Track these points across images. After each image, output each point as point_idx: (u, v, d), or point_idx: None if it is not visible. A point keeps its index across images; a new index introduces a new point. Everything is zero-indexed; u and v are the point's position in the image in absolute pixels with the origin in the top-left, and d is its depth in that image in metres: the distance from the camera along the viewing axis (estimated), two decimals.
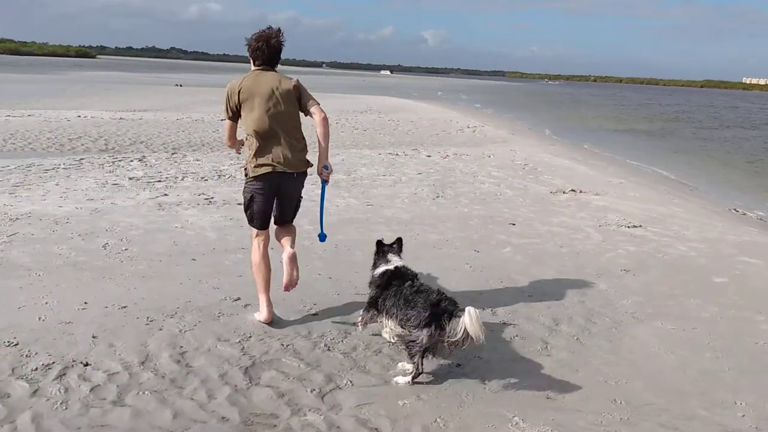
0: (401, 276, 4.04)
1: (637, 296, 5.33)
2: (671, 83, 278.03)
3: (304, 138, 4.61)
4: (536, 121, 27.52)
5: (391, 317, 3.88)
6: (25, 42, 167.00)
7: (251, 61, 4.49)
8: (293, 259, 4.46)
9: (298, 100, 4.47)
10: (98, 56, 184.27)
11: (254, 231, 4.60)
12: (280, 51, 4.48)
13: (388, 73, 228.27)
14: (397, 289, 3.92)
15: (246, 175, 4.47)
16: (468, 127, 19.84)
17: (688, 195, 11.15)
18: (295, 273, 4.44)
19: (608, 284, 5.57)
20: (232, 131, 4.57)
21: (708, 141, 23.63)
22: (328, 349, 4.07)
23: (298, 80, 4.50)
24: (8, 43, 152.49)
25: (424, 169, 10.86)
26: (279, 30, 4.47)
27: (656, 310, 5.05)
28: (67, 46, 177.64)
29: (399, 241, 4.47)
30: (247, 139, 4.48)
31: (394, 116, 22.57)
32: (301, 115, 4.58)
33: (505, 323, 4.62)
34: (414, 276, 4.07)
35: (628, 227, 7.54)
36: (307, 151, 4.62)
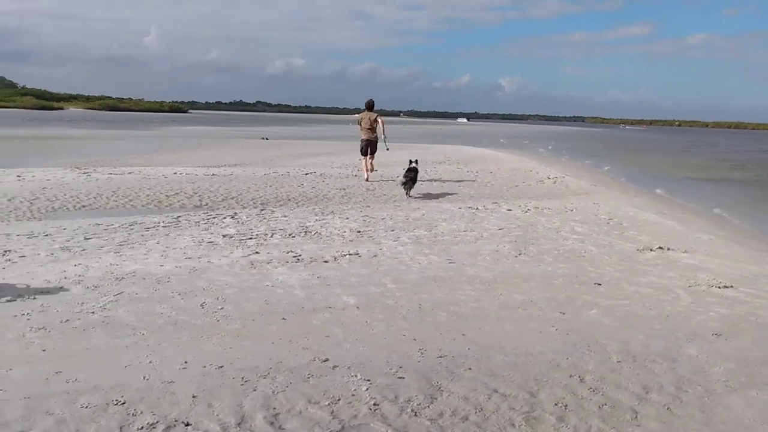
0: (411, 167, 14.47)
1: (729, 363, 5.16)
2: (760, 127, 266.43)
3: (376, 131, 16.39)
4: (618, 170, 26.96)
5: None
6: (122, 98, 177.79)
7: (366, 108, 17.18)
8: (371, 164, 17.19)
9: (376, 121, 16.68)
10: (190, 111, 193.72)
11: (361, 157, 17.38)
12: (372, 107, 16.84)
13: (464, 120, 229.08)
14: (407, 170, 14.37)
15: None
16: (548, 177, 19.70)
17: None
18: (372, 166, 17.13)
19: (699, 350, 5.43)
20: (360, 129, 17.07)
21: None
22: (415, 415, 4.15)
23: (378, 115, 16.57)
24: (107, 100, 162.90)
25: (506, 225, 10.88)
26: (372, 99, 17.00)
27: (750, 379, 4.88)
28: (161, 102, 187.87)
29: (416, 162, 15.07)
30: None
31: (472, 167, 22.69)
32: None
33: (593, 390, 4.57)
34: (416, 168, 14.77)
35: (719, 288, 7.31)
36: (376, 135, 16.59)
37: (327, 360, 4.92)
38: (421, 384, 4.57)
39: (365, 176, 17.14)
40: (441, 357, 5.06)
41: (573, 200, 14.57)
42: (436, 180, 18.10)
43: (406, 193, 14.46)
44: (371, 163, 17.23)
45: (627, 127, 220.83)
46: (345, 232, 9.80)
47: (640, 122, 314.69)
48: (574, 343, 5.48)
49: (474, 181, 18.31)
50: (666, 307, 6.59)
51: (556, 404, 4.35)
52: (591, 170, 26.65)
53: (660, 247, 9.35)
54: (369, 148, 17.12)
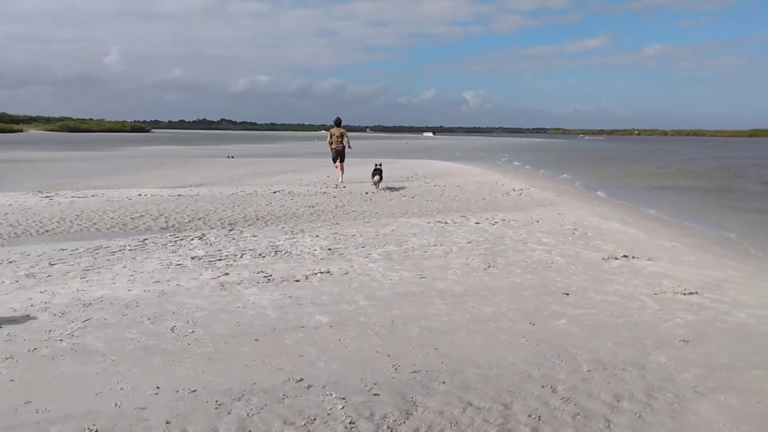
0: (377, 169, 19.40)
1: (697, 369, 5.29)
2: (717, 134, 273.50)
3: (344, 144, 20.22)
4: (580, 180, 27.44)
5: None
6: (83, 119, 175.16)
7: (334, 123, 20.62)
8: (342, 168, 20.48)
9: (344, 135, 20.06)
10: (152, 130, 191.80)
11: (335, 164, 20.56)
12: (340, 123, 20.34)
13: (430, 134, 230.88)
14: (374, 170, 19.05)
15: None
16: (514, 189, 19.96)
17: (743, 257, 10.97)
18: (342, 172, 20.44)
19: (667, 356, 5.55)
20: (329, 144, 20.40)
21: (766, 196, 23.14)
22: (391, 431, 4.17)
23: (344, 131, 20.18)
24: (67, 121, 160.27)
25: (474, 238, 10.99)
26: (339, 117, 20.59)
27: (718, 384, 5.01)
28: (123, 122, 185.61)
29: (380, 164, 20.02)
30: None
31: (439, 181, 22.88)
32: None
33: (565, 400, 4.65)
34: (381, 169, 19.51)
35: (684, 294, 7.49)
36: (344, 145, 20.47)
37: (301, 380, 4.92)
38: (396, 400, 4.60)
39: (340, 179, 20.73)
40: (415, 372, 5.09)
41: (538, 211, 14.79)
42: (404, 195, 18.19)
43: (377, 186, 19.41)
44: (342, 167, 20.74)
45: (586, 137, 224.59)
46: (315, 250, 9.80)
47: (600, 132, 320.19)
48: (544, 353, 5.56)
49: (441, 195, 18.46)
50: (633, 315, 6.73)
51: (529, 415, 4.41)
52: (554, 181, 27.09)
53: (625, 256, 9.54)
54: (339, 156, 20.67)
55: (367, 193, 18.35)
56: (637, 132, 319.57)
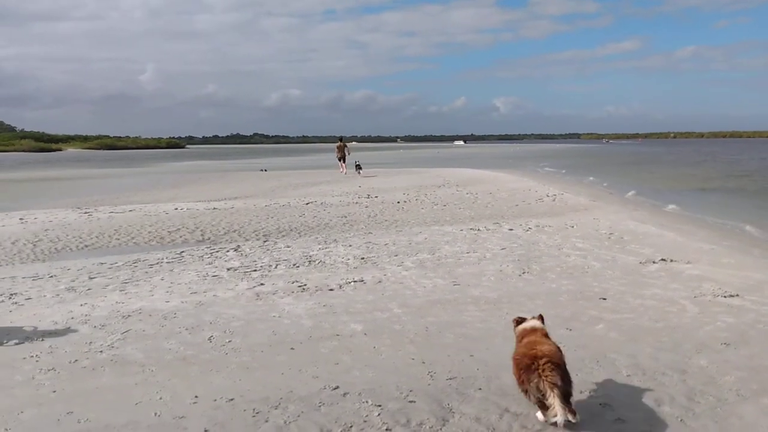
0: (358, 164, 33.02)
1: (740, 371, 5.16)
2: (756, 135, 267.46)
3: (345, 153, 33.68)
4: (616, 184, 27.06)
5: None
6: (120, 137, 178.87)
7: (339, 140, 35.19)
8: (344, 166, 33.77)
9: (345, 147, 33.89)
10: (187, 146, 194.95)
11: (340, 163, 33.77)
12: (342, 139, 35.16)
13: (461, 143, 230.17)
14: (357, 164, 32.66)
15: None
16: (547, 195, 19.78)
17: None
18: (345, 168, 33.62)
19: (709, 360, 5.43)
20: (337, 151, 34.30)
21: None
22: None
23: (345, 144, 34.19)
24: (105, 139, 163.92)
25: (508, 244, 10.91)
26: (342, 136, 36.59)
27: (762, 386, 4.87)
28: (159, 139, 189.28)
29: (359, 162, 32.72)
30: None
31: (471, 189, 22.79)
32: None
33: (603, 405, 4.57)
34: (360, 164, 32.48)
35: (725, 297, 7.32)
36: (345, 153, 33.45)
37: (337, 387, 4.92)
38: (433, 407, 4.57)
39: (343, 171, 33.16)
40: (450, 379, 5.06)
41: (573, 217, 14.62)
42: (436, 204, 18.16)
43: (359, 174, 31.37)
44: (344, 165, 33.43)
45: (611, 141, 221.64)
46: (349, 259, 9.84)
47: (635, 136, 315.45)
48: (582, 358, 5.48)
49: (474, 202, 18.38)
50: (672, 318, 6.60)
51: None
52: (589, 186, 26.76)
53: (663, 259, 9.37)
54: (342, 159, 33.67)
55: (399, 202, 18.36)
56: (672, 135, 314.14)
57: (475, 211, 16.25)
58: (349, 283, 8.25)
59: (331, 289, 7.94)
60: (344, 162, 33.03)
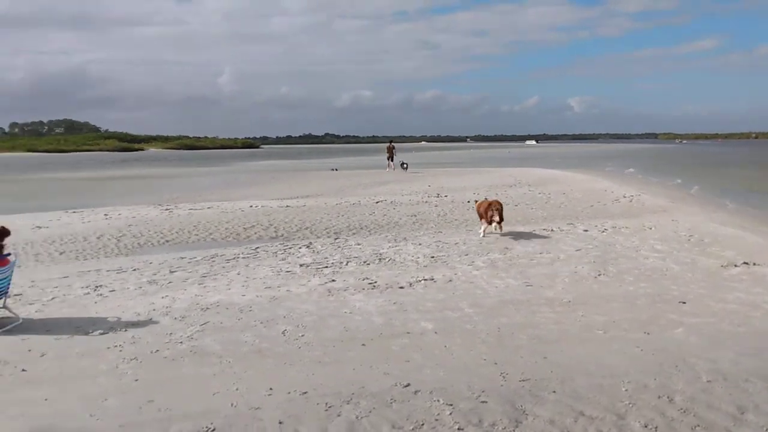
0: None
1: None
2: None
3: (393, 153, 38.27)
4: (695, 185, 25.98)
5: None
6: (199, 137, 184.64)
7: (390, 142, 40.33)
8: (392, 165, 38.36)
9: (393, 147, 38.55)
10: (262, 146, 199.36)
11: (388, 162, 38.12)
12: (391, 142, 40.56)
13: (533, 142, 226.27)
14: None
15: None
16: (624, 196, 19.22)
17: None
18: (393, 167, 38.38)
19: None
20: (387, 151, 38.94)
21: None
22: None
23: (393, 146, 39.12)
24: (184, 140, 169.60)
25: (582, 245, 10.66)
26: (392, 139, 47.29)
27: None
28: (235, 139, 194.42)
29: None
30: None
31: (544, 189, 22.38)
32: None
33: (683, 411, 4.41)
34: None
35: None
36: (393, 153, 38.27)
37: (408, 385, 4.93)
38: (505, 408, 4.52)
39: (390, 169, 36.89)
40: (523, 380, 4.99)
41: (651, 218, 14.16)
42: (507, 204, 17.92)
43: (404, 170, 35.69)
44: (391, 164, 37.41)
45: (684, 141, 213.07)
46: (419, 257, 9.84)
47: (715, 136, 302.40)
48: (660, 363, 5.31)
49: (547, 202, 18.06)
50: (755, 323, 6.31)
51: (645, 426, 4.23)
52: (667, 187, 25.82)
53: (745, 263, 8.96)
54: (391, 158, 37.84)
55: (468, 201, 18.23)
56: (754, 135, 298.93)
57: (548, 212, 15.96)
58: (420, 281, 8.25)
59: (402, 287, 7.97)
60: (392, 161, 38.26)
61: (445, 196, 19.97)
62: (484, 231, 11.65)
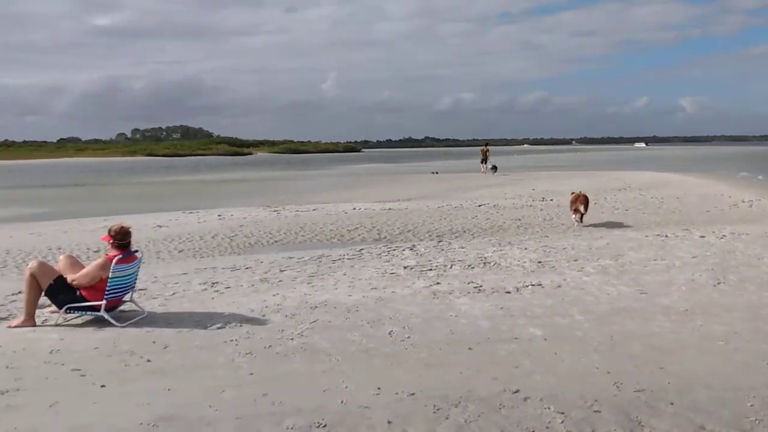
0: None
1: None
2: None
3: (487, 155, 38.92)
4: None
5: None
6: (303, 141, 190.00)
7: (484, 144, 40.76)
8: (485, 168, 38.90)
9: (488, 151, 39.44)
10: (363, 150, 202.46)
11: (481, 165, 38.95)
12: (486, 144, 41.31)
13: (642, 145, 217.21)
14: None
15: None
16: (743, 201, 18.11)
17: None
18: (485, 168, 38.91)
19: None
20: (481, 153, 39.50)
21: None
22: None
23: (488, 148, 40.12)
24: (289, 144, 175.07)
25: (700, 252, 10.13)
26: (486, 141, 43.46)
27: None
28: (337, 143, 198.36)
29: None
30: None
31: (655, 192, 21.44)
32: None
33: None
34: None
35: None
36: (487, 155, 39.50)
37: (518, 391, 4.86)
38: (620, 418, 4.37)
39: (483, 171, 37.81)
40: (639, 391, 4.80)
41: None
42: (617, 208, 17.32)
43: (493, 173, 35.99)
44: (484, 166, 38.32)
45: None
46: (525, 262, 9.68)
47: None
48: None
49: (659, 207, 17.29)
50: None
51: None
52: None
53: None
54: (486, 160, 38.62)
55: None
56: None
57: (660, 216, 15.29)
58: (527, 286, 8.11)
59: (508, 292, 7.86)
60: (485, 164, 39.00)
61: (551, 199, 19.53)
62: (574, 219, 14.20)
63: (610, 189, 23.09)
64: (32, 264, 6.81)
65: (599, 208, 17.16)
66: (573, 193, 14.68)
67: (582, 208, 13.80)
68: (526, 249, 10.92)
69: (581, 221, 13.98)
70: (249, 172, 54.43)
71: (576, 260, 9.77)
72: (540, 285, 8.16)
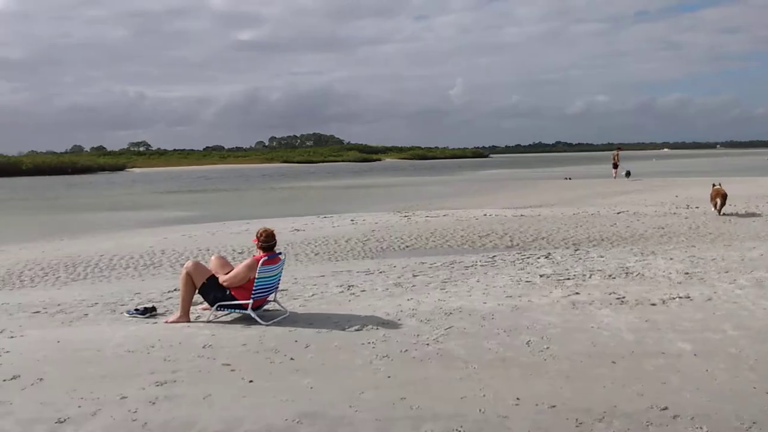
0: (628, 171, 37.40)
1: None
2: None
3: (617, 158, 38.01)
4: None
5: None
6: (430, 147, 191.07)
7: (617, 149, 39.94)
8: (616, 173, 37.42)
9: (618, 154, 38.40)
10: (490, 155, 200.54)
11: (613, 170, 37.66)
12: (619, 148, 40.88)
13: None
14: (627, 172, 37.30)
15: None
16: None
17: None
18: (616, 174, 37.74)
19: None
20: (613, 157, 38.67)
21: None
22: None
23: (618, 152, 38.88)
24: (417, 150, 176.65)
25: None
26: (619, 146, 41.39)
27: None
28: (464, 149, 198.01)
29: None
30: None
31: None
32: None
33: None
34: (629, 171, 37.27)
35: None
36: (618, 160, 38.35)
37: (666, 408, 4.60)
38: None
39: (615, 176, 36.50)
40: None
41: None
42: None
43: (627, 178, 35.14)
44: (616, 172, 37.03)
45: None
46: (671, 273, 9.16)
47: None
48: None
49: None
50: None
51: None
52: None
53: None
54: (617, 165, 37.16)
55: (724, 214, 16.59)
56: None
57: None
58: (674, 298, 7.67)
59: (653, 304, 7.47)
60: (616, 169, 37.91)
61: (696, 207, 18.38)
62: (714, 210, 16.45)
63: (762, 196, 21.37)
64: (188, 264, 7.32)
65: (749, 218, 15.94)
66: (713, 186, 17.05)
67: (719, 201, 16.34)
68: (671, 259, 10.33)
69: (719, 213, 16.31)
70: (378, 178, 55.49)
71: (727, 272, 9.11)
72: (688, 297, 7.69)
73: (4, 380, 5.29)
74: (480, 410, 4.68)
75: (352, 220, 17.44)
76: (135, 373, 5.49)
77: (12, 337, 6.68)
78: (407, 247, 13.22)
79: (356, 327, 6.79)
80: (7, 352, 6.05)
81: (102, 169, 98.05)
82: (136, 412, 4.68)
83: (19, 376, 5.39)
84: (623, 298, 7.78)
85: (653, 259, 10.36)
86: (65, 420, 4.54)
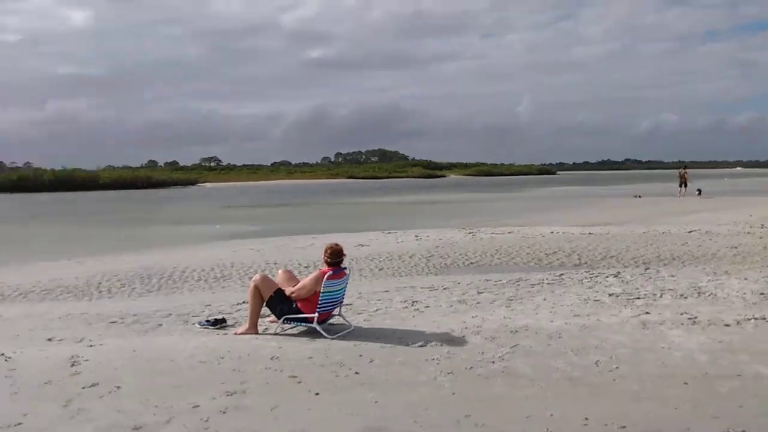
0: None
1: None
2: None
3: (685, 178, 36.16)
4: None
5: None
6: (495, 164, 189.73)
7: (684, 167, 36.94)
8: (682, 192, 34.67)
9: (686, 173, 36.16)
10: (557, 172, 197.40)
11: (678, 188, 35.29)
12: (686, 167, 37.63)
13: None
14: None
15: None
16: None
17: None
18: (683, 193, 34.93)
19: None
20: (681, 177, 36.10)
21: None
22: None
23: (685, 171, 36.13)
24: (482, 166, 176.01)
25: None
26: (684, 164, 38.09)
27: None
28: (530, 165, 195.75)
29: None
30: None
31: None
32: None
33: None
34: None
35: None
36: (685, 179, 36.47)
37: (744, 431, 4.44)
38: None
39: (681, 195, 35.21)
40: None
41: None
42: None
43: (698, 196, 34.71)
44: (682, 190, 35.74)
45: None
46: (745, 293, 8.82)
47: None
48: None
49: None
50: None
51: None
52: None
53: None
54: (684, 184, 35.86)
55: None
56: None
57: None
58: (749, 319, 7.38)
59: (727, 325, 7.21)
60: (684, 187, 36.45)
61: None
62: None
63: None
64: (256, 277, 7.52)
65: None
66: None
67: None
68: (746, 279, 9.95)
69: None
70: (443, 194, 55.40)
71: None
72: (764, 319, 7.39)
73: (84, 388, 5.54)
74: (547, 430, 4.63)
75: (416, 236, 17.49)
76: (206, 383, 5.66)
77: (91, 345, 6.99)
78: (472, 263, 13.16)
79: (420, 343, 6.81)
80: (87, 360, 6.32)
81: (175, 183, 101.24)
82: (207, 420, 4.83)
83: (98, 384, 5.63)
84: (695, 318, 7.54)
85: (726, 279, 9.99)
86: (140, 427, 4.72)
